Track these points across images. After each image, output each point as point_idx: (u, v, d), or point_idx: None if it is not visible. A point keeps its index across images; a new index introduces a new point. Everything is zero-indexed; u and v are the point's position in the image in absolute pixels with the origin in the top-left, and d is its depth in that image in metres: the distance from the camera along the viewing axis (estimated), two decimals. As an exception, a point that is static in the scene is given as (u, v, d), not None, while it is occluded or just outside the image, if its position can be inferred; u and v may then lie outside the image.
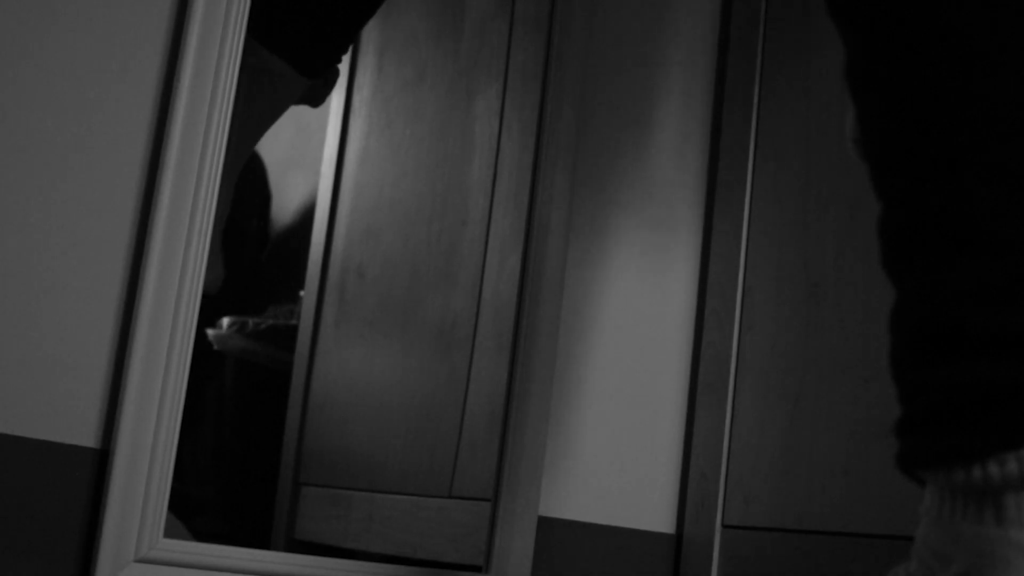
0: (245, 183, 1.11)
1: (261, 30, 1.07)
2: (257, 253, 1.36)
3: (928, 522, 0.60)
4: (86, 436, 0.93)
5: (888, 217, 0.63)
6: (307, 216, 1.29)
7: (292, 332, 1.24)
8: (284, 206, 1.35)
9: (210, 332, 1.09)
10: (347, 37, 1.15)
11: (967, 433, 0.56)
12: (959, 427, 0.56)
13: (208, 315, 1.03)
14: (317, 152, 1.30)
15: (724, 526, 1.26)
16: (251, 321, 1.23)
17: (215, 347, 1.14)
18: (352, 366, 1.19)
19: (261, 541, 1.19)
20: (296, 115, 1.33)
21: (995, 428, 0.55)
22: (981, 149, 0.57)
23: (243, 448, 1.22)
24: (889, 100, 0.62)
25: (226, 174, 1.00)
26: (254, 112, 1.09)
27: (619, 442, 1.28)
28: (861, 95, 0.64)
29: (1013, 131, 0.57)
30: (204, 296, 0.95)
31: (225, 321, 1.22)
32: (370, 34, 1.25)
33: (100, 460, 0.93)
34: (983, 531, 0.56)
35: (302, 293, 1.26)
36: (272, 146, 1.34)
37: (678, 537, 1.31)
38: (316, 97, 1.17)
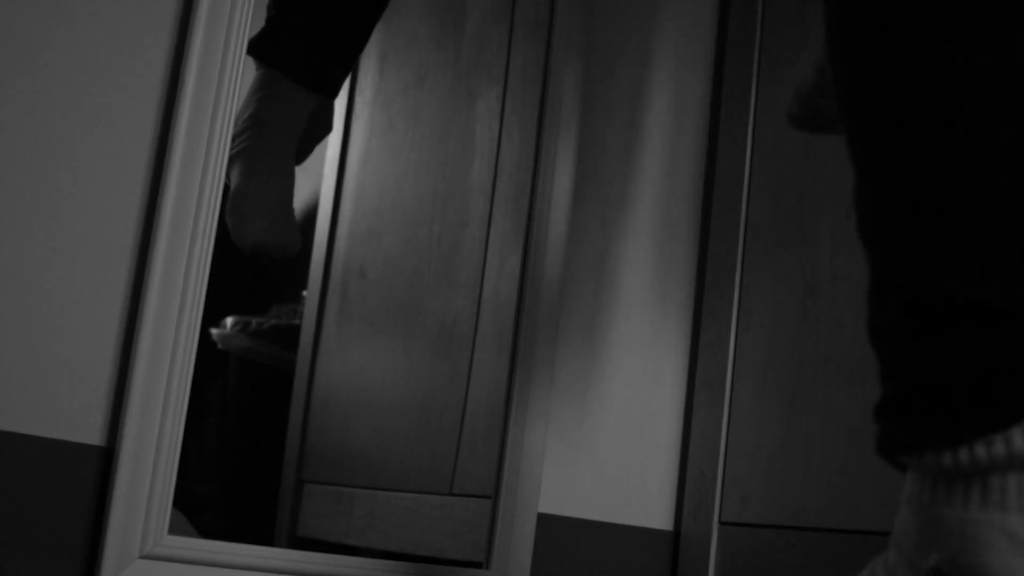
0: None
1: (264, 48, 1.09)
2: (261, 253, 1.37)
3: (909, 510, 0.59)
4: (91, 434, 0.94)
5: (866, 187, 0.62)
6: (310, 217, 1.29)
7: (295, 331, 1.25)
8: (287, 207, 1.36)
9: (214, 331, 1.09)
10: (353, 44, 1.16)
11: (954, 415, 0.55)
12: (946, 409, 0.55)
13: (211, 314, 1.04)
14: (319, 154, 1.31)
15: (721, 523, 1.27)
16: (254, 320, 1.23)
17: (219, 346, 1.15)
18: (354, 365, 1.20)
19: (264, 538, 1.20)
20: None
21: (982, 409, 0.54)
22: (971, 124, 0.56)
23: (246, 446, 1.23)
24: (875, 72, 0.61)
25: (286, 155, 1.03)
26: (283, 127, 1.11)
27: (618, 440, 1.29)
28: (843, 66, 0.63)
29: (1004, 107, 0.56)
30: (282, 259, 0.98)
31: (228, 320, 1.22)
32: (372, 37, 1.26)
33: (105, 458, 0.94)
34: (967, 515, 0.55)
35: (305, 293, 1.27)
36: (275, 148, 1.35)
37: (676, 534, 1.31)
38: (303, 149, 1.18)
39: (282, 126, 1.09)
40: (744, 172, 1.34)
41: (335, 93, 1.14)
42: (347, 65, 1.16)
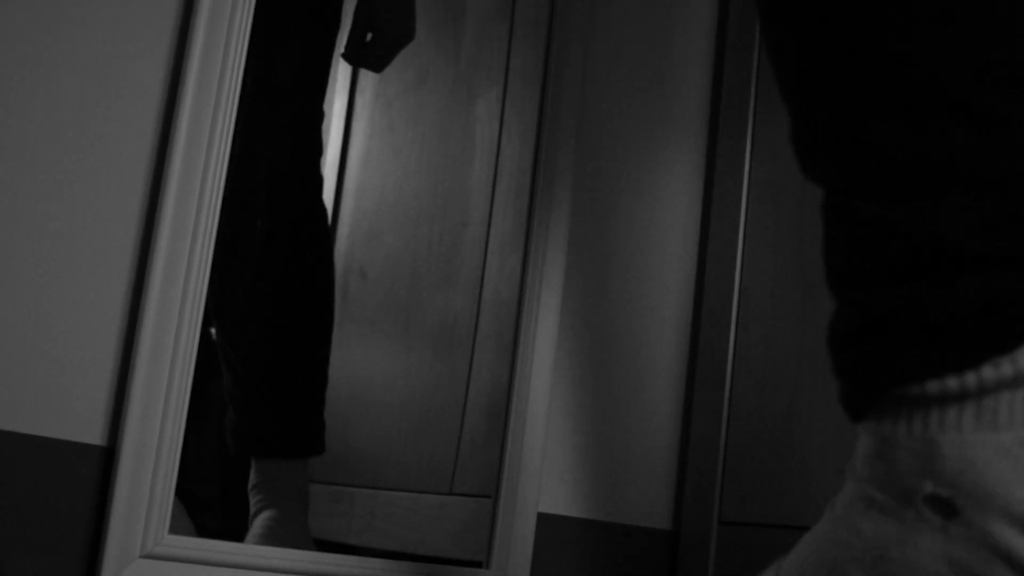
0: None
1: (239, 444, 1.13)
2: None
3: (886, 447, 0.60)
4: (92, 434, 0.94)
5: (827, 135, 0.64)
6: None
7: (295, 332, 1.25)
8: (287, 207, 1.36)
9: (214, 331, 1.10)
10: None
11: (961, 341, 0.56)
12: (952, 336, 0.57)
13: (212, 314, 1.04)
14: (320, 154, 1.31)
15: (721, 522, 1.27)
16: (255, 321, 1.23)
17: (219, 346, 1.15)
18: (354, 365, 1.21)
19: (265, 538, 1.20)
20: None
21: (989, 333, 0.55)
22: (951, 85, 0.57)
23: (247, 446, 1.23)
24: (851, 37, 0.61)
25: None
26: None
27: (617, 439, 1.29)
28: (821, 42, 0.64)
29: (989, 74, 0.57)
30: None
31: (229, 321, 1.23)
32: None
33: (106, 457, 0.94)
34: (962, 438, 0.56)
35: (305, 293, 1.27)
36: (276, 148, 1.35)
37: (675, 533, 1.32)
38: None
39: (290, 498, 1.12)
40: (743, 173, 1.35)
41: (322, 447, 1.16)
42: (320, 413, 1.17)
